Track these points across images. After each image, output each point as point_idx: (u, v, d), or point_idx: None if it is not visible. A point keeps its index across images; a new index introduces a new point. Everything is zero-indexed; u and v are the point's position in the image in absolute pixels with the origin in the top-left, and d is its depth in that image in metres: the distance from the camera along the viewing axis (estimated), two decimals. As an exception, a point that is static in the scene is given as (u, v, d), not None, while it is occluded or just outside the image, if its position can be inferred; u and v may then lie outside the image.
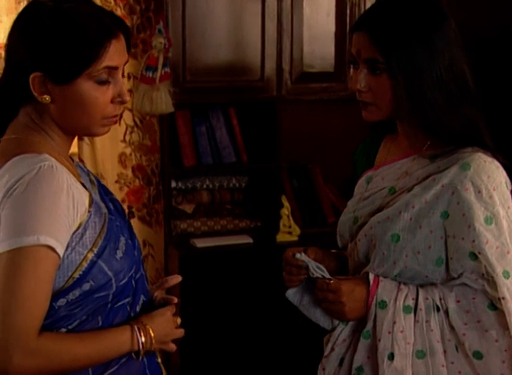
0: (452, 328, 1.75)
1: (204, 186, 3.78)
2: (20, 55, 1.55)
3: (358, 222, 1.87)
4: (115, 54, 1.54)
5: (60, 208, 1.46)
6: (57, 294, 1.50)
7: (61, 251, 1.46)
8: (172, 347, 1.69)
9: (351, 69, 1.80)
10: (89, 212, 1.52)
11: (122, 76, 1.60)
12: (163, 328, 1.63)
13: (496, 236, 1.71)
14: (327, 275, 1.82)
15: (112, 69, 1.55)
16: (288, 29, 3.63)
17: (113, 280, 1.54)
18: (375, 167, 1.92)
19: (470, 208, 1.70)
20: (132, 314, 1.62)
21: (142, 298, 1.66)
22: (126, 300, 1.60)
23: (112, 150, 3.58)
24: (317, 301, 1.86)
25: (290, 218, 3.72)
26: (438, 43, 1.72)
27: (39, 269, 1.43)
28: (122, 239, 1.59)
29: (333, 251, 2.01)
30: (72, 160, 1.68)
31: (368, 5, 3.68)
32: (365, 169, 1.95)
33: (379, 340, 1.74)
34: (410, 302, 1.75)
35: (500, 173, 1.74)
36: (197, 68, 3.54)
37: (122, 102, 1.59)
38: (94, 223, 1.53)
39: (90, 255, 1.51)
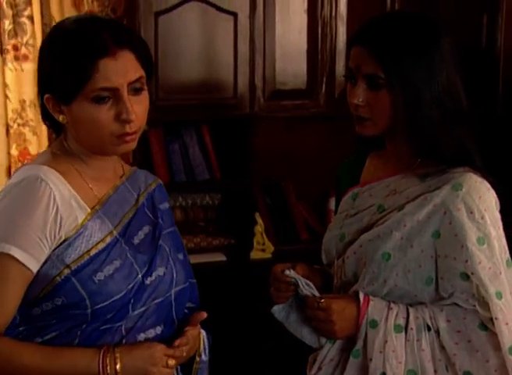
0: (442, 348, 1.73)
1: (178, 203, 3.77)
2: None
3: (345, 239, 1.85)
4: (112, 74, 1.51)
5: (33, 220, 1.46)
6: (32, 303, 1.50)
7: (30, 263, 1.46)
8: None
9: (347, 84, 1.78)
10: (80, 228, 1.52)
11: (141, 89, 1.56)
12: (141, 362, 1.54)
13: (489, 256, 1.71)
14: (316, 293, 1.80)
15: (110, 90, 1.52)
16: (260, 47, 3.63)
17: (87, 301, 1.51)
18: (362, 183, 1.91)
19: (462, 228, 1.70)
20: (125, 340, 1.56)
21: (160, 328, 1.62)
22: (118, 324, 1.56)
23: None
24: (304, 319, 1.84)
25: (264, 235, 3.71)
26: (436, 58, 1.72)
27: (0, 276, 1.44)
28: (117, 263, 1.55)
29: (316, 266, 1.99)
30: (121, 177, 1.69)
31: (339, 24, 3.71)
32: (350, 186, 1.92)
33: (370, 359, 1.72)
34: (401, 321, 1.74)
35: (491, 194, 1.75)
36: (170, 86, 3.52)
37: (127, 121, 1.54)
38: (83, 240, 1.52)
39: (66, 272, 1.50)
